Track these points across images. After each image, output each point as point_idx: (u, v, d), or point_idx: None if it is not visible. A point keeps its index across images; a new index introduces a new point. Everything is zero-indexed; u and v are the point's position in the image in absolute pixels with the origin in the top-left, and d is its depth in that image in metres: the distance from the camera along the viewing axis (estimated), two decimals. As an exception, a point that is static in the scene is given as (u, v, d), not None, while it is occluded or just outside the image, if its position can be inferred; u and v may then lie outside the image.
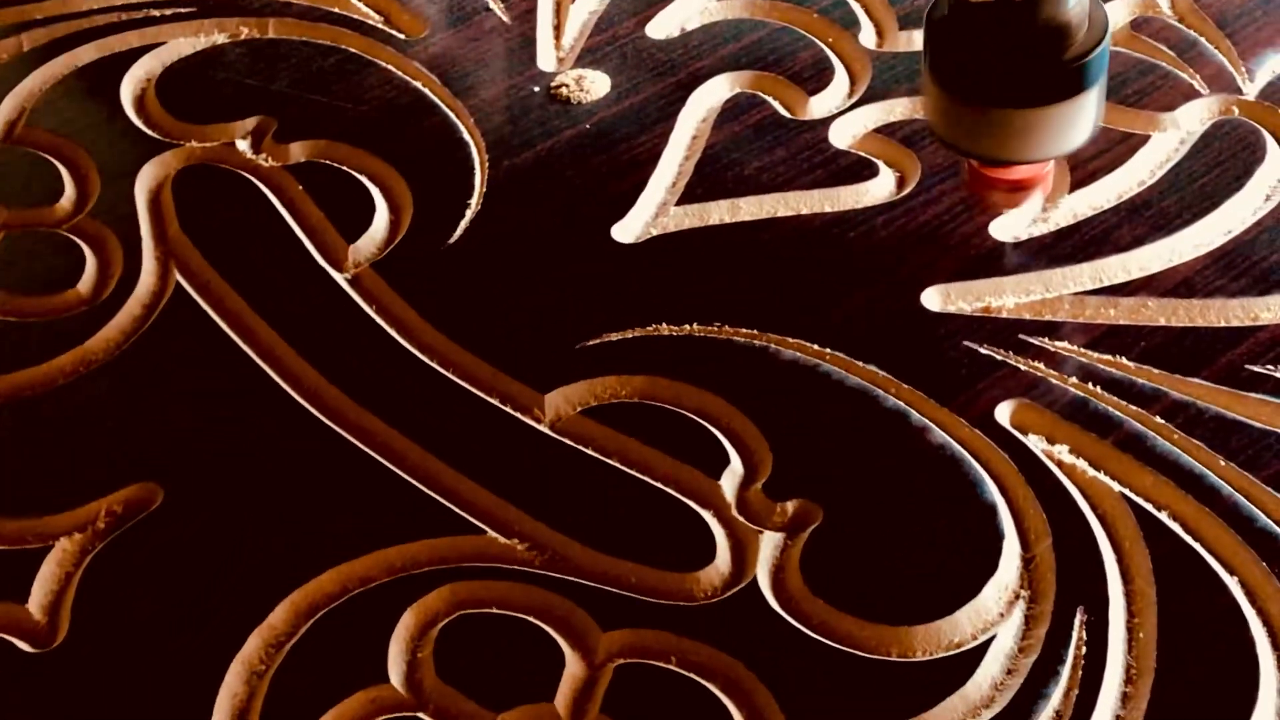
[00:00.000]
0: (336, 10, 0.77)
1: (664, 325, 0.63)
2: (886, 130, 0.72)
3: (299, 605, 0.55)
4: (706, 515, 0.58)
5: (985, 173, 0.64)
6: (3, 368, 0.63)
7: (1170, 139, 0.69)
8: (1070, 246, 0.66)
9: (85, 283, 0.66)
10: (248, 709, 0.53)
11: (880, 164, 0.70)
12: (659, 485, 0.59)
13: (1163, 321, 0.63)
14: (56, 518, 0.58)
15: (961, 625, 0.55)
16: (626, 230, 0.68)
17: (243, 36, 0.76)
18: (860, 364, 0.62)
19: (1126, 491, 0.57)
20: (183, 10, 0.76)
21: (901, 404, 0.60)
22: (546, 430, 0.60)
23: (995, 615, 0.55)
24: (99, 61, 0.76)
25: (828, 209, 0.68)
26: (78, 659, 0.54)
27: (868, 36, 0.74)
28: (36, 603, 0.56)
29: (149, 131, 0.72)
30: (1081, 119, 0.59)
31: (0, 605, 0.56)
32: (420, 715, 0.53)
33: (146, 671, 0.54)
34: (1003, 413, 0.59)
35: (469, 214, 0.68)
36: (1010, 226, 0.67)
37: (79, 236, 0.68)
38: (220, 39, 0.75)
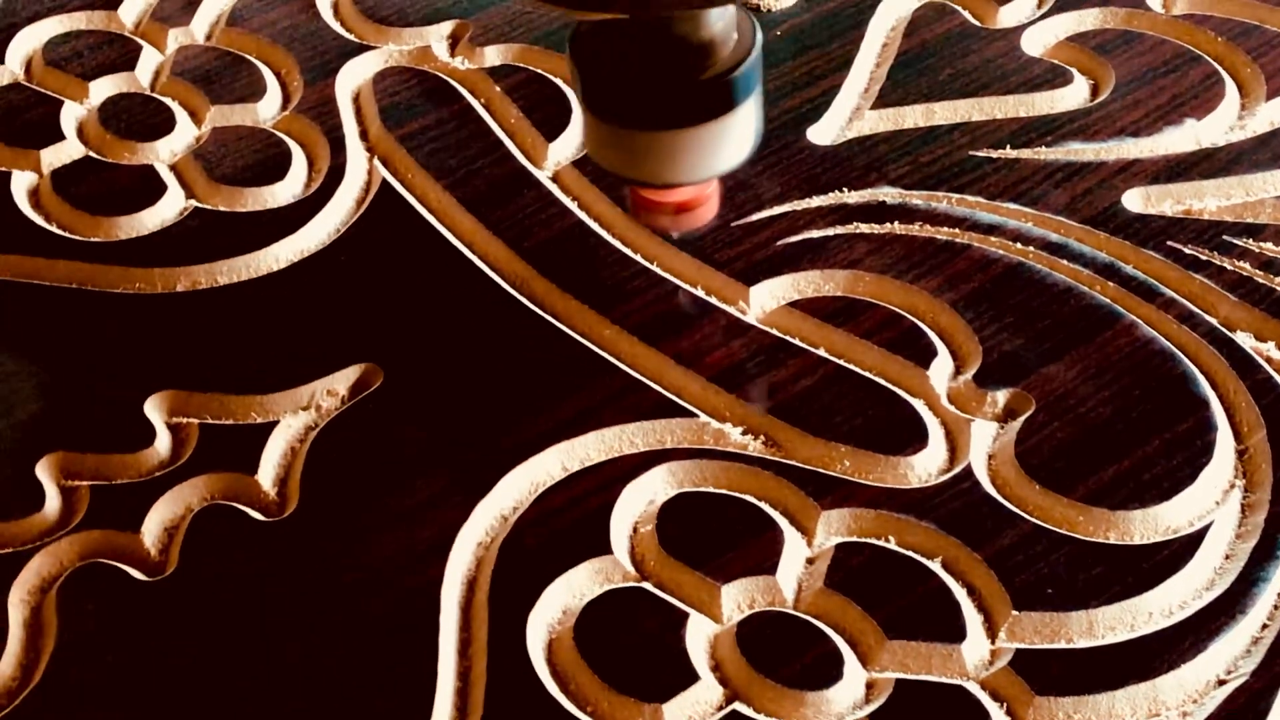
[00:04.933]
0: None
1: (862, 224, 0.64)
2: (1078, 39, 0.72)
3: (521, 481, 0.56)
4: (917, 404, 0.58)
5: (645, 196, 0.59)
6: (218, 255, 0.64)
7: (1369, 48, 0.69)
8: (1270, 152, 0.66)
9: (294, 177, 0.67)
10: (476, 578, 0.54)
11: (1074, 71, 0.70)
12: (867, 374, 0.59)
13: (1368, 225, 0.62)
14: (280, 394, 0.59)
15: (1178, 512, 0.55)
16: (822, 133, 0.68)
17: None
18: (1065, 262, 0.62)
19: (1339, 386, 0.57)
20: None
21: (1107, 300, 0.60)
22: (753, 321, 0.61)
23: (1211, 503, 0.55)
24: (294, -33, 0.77)
25: (1022, 114, 0.68)
26: (308, 530, 0.56)
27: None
28: (267, 475, 0.57)
29: (346, 34, 0.73)
30: (735, 136, 0.53)
31: (232, 476, 0.57)
32: (645, 585, 0.53)
33: (376, 543, 0.55)
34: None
35: (665, 116, 0.69)
36: (1207, 133, 0.67)
37: (285, 133, 0.69)
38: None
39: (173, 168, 0.67)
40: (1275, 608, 0.52)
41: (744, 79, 0.53)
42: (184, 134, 0.69)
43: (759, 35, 0.52)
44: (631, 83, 0.52)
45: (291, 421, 0.58)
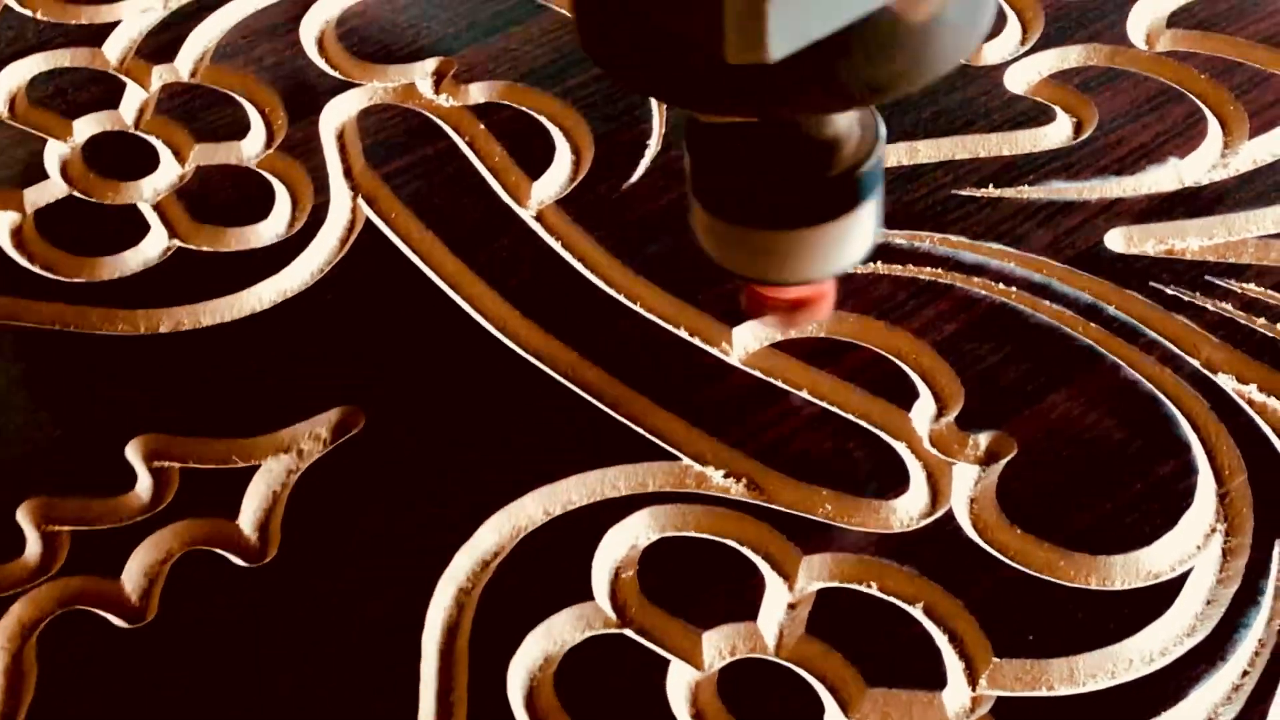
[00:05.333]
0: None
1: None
2: (1061, 76, 0.72)
3: (502, 526, 0.56)
4: (899, 447, 0.58)
5: (761, 293, 0.57)
6: (201, 296, 0.64)
7: (1353, 86, 0.69)
8: (1253, 192, 0.66)
9: (278, 216, 0.67)
10: (458, 624, 0.54)
11: (1057, 109, 0.70)
12: (849, 417, 0.59)
13: (1350, 265, 0.62)
14: (261, 439, 0.59)
15: (1158, 557, 0.55)
16: (805, 171, 0.68)
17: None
18: (1047, 303, 0.62)
19: (1320, 430, 0.57)
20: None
21: (1090, 341, 0.61)
22: (735, 363, 0.61)
23: (1192, 548, 0.55)
24: (278, 3, 0.77)
25: (1006, 152, 0.68)
26: (289, 575, 0.56)
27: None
28: (247, 519, 0.57)
29: (331, 71, 0.73)
30: (856, 234, 0.52)
31: (213, 521, 0.57)
32: (625, 632, 0.53)
33: (358, 587, 0.55)
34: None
35: (649, 154, 0.69)
36: (1190, 171, 0.67)
37: (268, 172, 0.69)
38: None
39: (156, 207, 0.67)
40: (1256, 654, 0.52)
41: (871, 174, 0.51)
42: (168, 172, 0.69)
43: (882, 128, 0.51)
44: (755, 180, 0.51)
45: (273, 465, 0.58)
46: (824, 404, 0.59)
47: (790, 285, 0.56)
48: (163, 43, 0.75)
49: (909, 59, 0.43)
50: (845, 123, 0.50)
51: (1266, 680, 0.52)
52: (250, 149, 0.70)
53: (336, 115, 0.71)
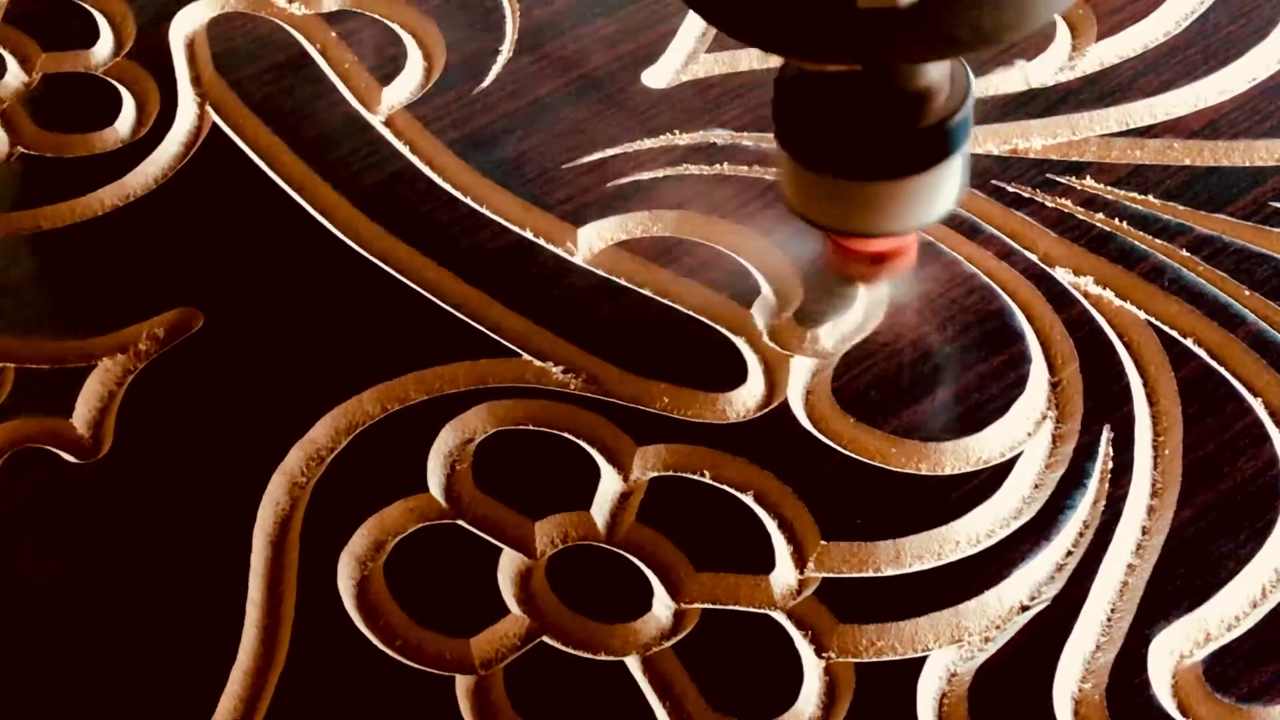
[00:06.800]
0: None
1: (691, 165, 0.64)
2: (914, -18, 0.72)
3: (339, 421, 0.56)
4: (738, 341, 0.58)
5: (845, 245, 0.57)
6: (43, 201, 0.63)
7: (1196, -9, 0.69)
8: (1097, 92, 0.67)
9: (123, 122, 0.66)
10: (290, 516, 0.54)
11: (908, 14, 0.70)
12: (690, 313, 0.59)
13: (1188, 162, 0.63)
14: (98, 339, 0.59)
15: (989, 443, 0.55)
16: (657, 76, 0.68)
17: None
18: (889, 200, 0.62)
19: (1152, 319, 0.58)
20: None
21: (931, 238, 0.61)
22: (579, 262, 0.61)
23: (1023, 434, 0.55)
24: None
25: (856, 56, 0.68)
26: (121, 471, 0.55)
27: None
28: (81, 418, 0.57)
29: (182, -21, 0.72)
30: (944, 188, 0.52)
31: (47, 420, 0.56)
32: (459, 522, 0.53)
33: (189, 482, 0.55)
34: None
35: (500, 60, 0.69)
36: (1037, 74, 0.67)
37: (116, 79, 0.68)
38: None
39: (0, 113, 0.66)
40: (1080, 535, 0.53)
41: (961, 126, 0.51)
42: (13, 79, 0.68)
43: (972, 79, 0.50)
44: (848, 131, 0.50)
45: (109, 365, 0.58)
46: (665, 300, 0.59)
47: (876, 238, 0.56)
48: (11, -48, 0.74)
49: (1015, 7, 0.43)
50: (938, 74, 0.50)
51: (1089, 560, 0.52)
52: (98, 56, 0.69)
53: (187, 23, 0.71)
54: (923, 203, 0.53)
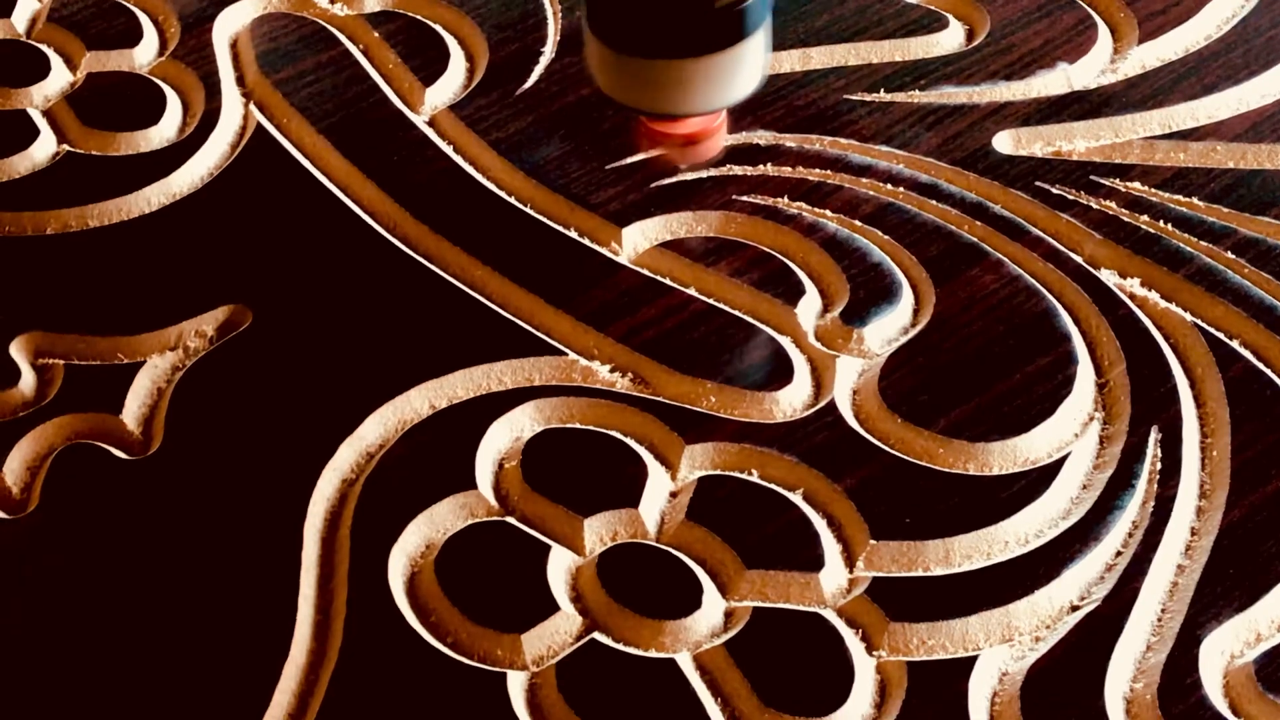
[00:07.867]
0: None
1: (735, 166, 0.64)
2: (955, -15, 0.72)
3: (387, 418, 0.56)
4: (784, 341, 0.58)
5: (653, 127, 0.61)
6: (91, 199, 0.63)
7: (1238, -5, 0.69)
8: (1139, 95, 0.67)
9: (168, 122, 0.67)
10: (340, 512, 0.54)
11: (949, 17, 0.70)
12: (736, 313, 0.59)
13: (1231, 165, 0.63)
14: (147, 336, 0.59)
15: (1036, 444, 0.55)
16: (699, 77, 0.68)
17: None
18: (933, 202, 0.62)
19: (1199, 321, 0.58)
20: None
21: (975, 238, 0.61)
22: (624, 261, 0.61)
23: (1070, 435, 0.56)
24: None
25: (898, 58, 0.69)
26: (171, 468, 0.55)
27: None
28: (131, 414, 0.57)
29: (225, -19, 0.73)
30: (743, 68, 0.55)
31: (96, 416, 0.57)
32: (508, 519, 0.54)
33: (239, 479, 0.55)
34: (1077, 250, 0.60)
35: (543, 61, 0.69)
36: (1079, 76, 0.67)
37: (160, 79, 0.68)
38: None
39: (46, 113, 0.67)
40: (1129, 535, 0.53)
41: (758, 7, 0.54)
42: (58, 79, 0.69)
43: None
44: (646, 10, 0.53)
45: (158, 362, 0.58)
46: (711, 300, 0.59)
47: (680, 118, 0.59)
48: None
49: None
50: None
51: (1138, 560, 0.52)
52: (143, 57, 0.70)
53: (231, 23, 0.71)
54: (723, 83, 0.56)
